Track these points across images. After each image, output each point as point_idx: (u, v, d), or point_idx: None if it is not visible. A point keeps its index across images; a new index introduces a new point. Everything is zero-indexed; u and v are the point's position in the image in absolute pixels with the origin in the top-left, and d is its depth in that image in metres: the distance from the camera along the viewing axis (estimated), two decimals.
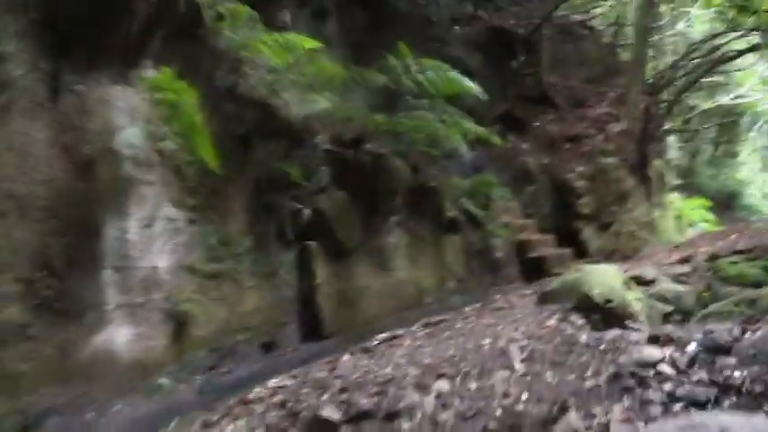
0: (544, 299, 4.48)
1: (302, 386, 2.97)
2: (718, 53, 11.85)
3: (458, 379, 2.64)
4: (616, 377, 2.39)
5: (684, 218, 13.07)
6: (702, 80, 12.72)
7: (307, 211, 4.68)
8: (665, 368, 2.40)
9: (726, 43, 11.68)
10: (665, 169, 13.03)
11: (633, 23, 11.95)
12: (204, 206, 3.97)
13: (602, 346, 2.82)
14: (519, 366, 2.72)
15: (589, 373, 2.50)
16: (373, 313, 5.33)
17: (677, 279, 6.32)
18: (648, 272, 6.07)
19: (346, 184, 5.30)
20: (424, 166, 6.67)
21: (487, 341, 3.29)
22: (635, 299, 4.19)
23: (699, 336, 2.64)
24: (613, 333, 3.15)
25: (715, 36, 11.88)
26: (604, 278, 4.19)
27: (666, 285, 5.17)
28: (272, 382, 3.11)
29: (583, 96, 11.38)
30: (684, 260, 7.76)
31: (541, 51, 11.10)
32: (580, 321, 3.90)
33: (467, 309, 5.40)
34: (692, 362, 2.43)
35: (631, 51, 11.77)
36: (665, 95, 12.42)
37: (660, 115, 11.93)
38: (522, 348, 2.99)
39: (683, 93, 11.91)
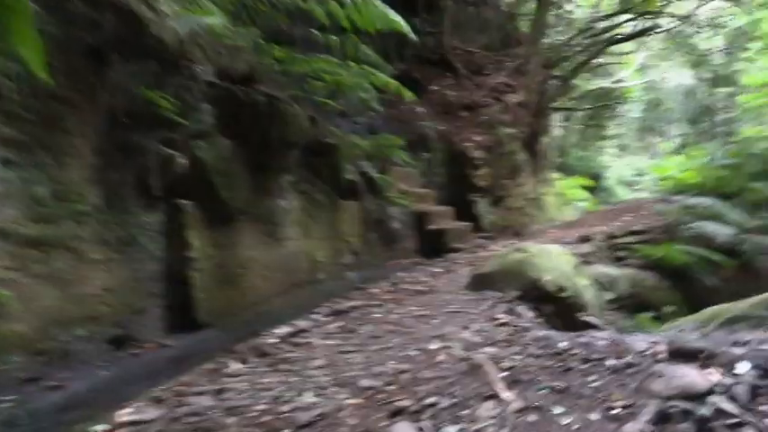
0: (479, 283, 3.73)
1: (174, 425, 1.90)
2: (609, 34, 11.88)
3: (425, 421, 1.73)
4: (663, 419, 1.63)
5: (564, 196, 13.18)
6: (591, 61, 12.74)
7: (182, 160, 3.48)
8: (725, 404, 1.68)
9: (618, 25, 11.72)
10: (549, 146, 13.03)
11: None
12: (31, 141, 2.67)
13: (608, 362, 2.07)
14: (507, 395, 1.87)
15: (618, 408, 1.72)
16: (260, 292, 4.29)
17: (583, 259, 5.95)
18: None
19: (234, 130, 4.14)
20: (320, 119, 5.66)
21: (437, 346, 2.43)
22: (586, 286, 3.55)
23: (740, 351, 1.98)
24: (602, 337, 2.43)
25: (609, 16, 11.88)
26: (553, 261, 3.51)
27: (601, 269, 4.67)
28: (125, 413, 2.00)
29: (482, 63, 10.83)
30: (584, 239, 7.53)
31: (444, 12, 10.35)
32: (530, 314, 3.19)
33: (374, 290, 4.52)
34: (755, 391, 1.74)
35: (532, 22, 11.40)
36: (557, 72, 12.30)
37: (553, 91, 11.78)
38: (495, 360, 2.16)
39: (578, 70, 11.81)
